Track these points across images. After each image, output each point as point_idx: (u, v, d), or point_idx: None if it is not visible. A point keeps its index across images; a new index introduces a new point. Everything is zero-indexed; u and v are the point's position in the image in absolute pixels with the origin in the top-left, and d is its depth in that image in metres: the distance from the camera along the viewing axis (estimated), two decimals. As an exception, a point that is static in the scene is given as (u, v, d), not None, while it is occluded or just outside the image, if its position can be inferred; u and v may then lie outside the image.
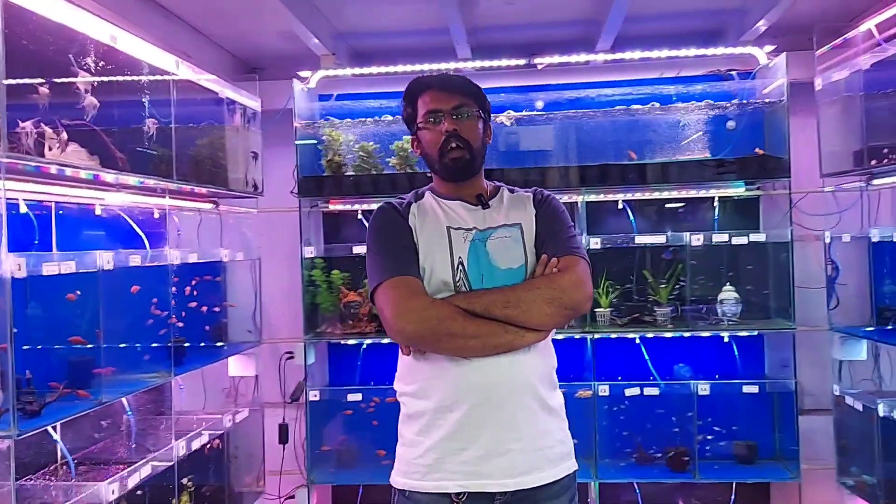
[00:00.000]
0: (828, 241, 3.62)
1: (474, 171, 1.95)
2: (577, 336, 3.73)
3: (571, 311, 1.83)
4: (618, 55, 3.83)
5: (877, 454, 3.36)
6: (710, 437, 3.90)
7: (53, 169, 2.26)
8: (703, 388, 3.70)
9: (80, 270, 2.32)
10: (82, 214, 2.99)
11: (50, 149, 2.21)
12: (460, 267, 1.84)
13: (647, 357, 3.98)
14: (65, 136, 2.28)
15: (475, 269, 1.84)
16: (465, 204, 1.95)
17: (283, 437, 4.02)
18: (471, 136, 1.90)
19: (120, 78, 2.58)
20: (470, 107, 1.92)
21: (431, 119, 1.90)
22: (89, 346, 2.48)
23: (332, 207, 4.10)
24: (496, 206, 1.96)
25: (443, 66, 3.85)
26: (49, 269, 2.17)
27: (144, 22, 3.16)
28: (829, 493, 3.75)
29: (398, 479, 1.86)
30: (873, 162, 3.18)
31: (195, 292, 3.36)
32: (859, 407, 3.45)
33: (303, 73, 3.92)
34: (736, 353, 4.02)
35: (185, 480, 3.07)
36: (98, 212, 3.02)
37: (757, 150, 3.80)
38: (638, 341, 3.97)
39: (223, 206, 3.78)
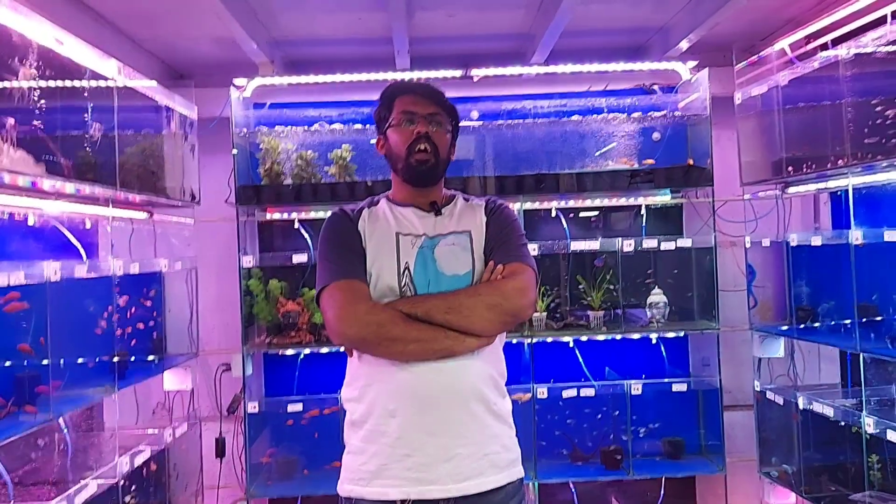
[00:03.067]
0: (748, 245, 3.84)
1: (435, 179, 1.97)
2: (514, 341, 3.82)
3: (512, 318, 1.85)
4: (551, 68, 3.94)
5: (797, 444, 3.58)
6: (641, 435, 4.06)
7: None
8: (636, 387, 3.85)
9: (28, 282, 2.23)
10: (12, 224, 2.85)
11: (-2, 154, 2.12)
12: (406, 272, 1.84)
13: (580, 359, 4.11)
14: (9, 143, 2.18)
15: (421, 275, 1.84)
16: (418, 210, 1.95)
17: (220, 450, 3.92)
18: (440, 144, 1.92)
19: (66, 83, 2.49)
20: (444, 118, 1.95)
21: (406, 119, 1.91)
22: (40, 361, 2.38)
23: (267, 217, 4.05)
24: (448, 214, 1.97)
25: (381, 75, 3.87)
26: (-2, 280, 2.07)
27: (74, 24, 3.04)
28: (750, 483, 3.98)
29: (344, 486, 1.84)
30: (790, 169, 3.41)
31: (133, 308, 3.25)
32: (780, 401, 3.68)
33: (238, 81, 3.85)
34: (663, 353, 4.20)
35: (127, 498, 2.96)
36: (31, 221, 2.88)
37: (689, 161, 3.98)
38: (572, 344, 4.09)
39: (157, 215, 3.67)
